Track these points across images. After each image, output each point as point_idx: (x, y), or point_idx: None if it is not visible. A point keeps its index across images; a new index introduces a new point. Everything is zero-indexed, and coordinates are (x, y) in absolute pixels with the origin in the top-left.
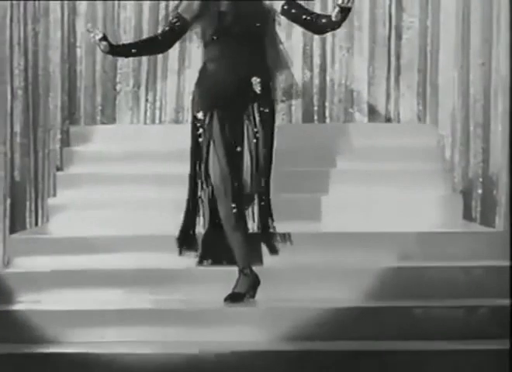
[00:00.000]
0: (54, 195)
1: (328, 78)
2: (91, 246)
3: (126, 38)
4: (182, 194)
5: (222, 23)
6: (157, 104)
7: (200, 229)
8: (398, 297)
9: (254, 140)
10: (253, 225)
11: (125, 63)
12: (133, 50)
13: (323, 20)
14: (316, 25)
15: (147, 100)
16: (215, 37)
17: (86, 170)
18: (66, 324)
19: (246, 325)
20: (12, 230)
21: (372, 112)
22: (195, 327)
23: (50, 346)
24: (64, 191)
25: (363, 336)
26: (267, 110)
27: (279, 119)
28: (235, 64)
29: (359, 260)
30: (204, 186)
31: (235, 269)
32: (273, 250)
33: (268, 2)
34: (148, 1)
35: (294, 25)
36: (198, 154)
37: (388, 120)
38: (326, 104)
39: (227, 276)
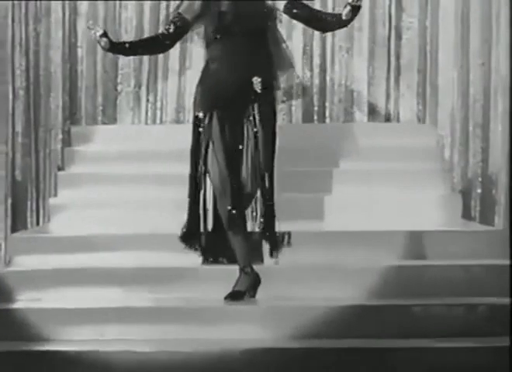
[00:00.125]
0: (55, 195)
1: (328, 78)
2: (91, 245)
3: (127, 38)
4: (182, 193)
5: (222, 23)
6: (158, 104)
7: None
8: (399, 295)
9: (254, 140)
10: (253, 225)
11: (126, 64)
12: (133, 48)
13: (332, 18)
14: (322, 23)
15: (147, 100)
16: (216, 37)
17: (87, 169)
18: (66, 322)
19: (246, 323)
20: (14, 230)
21: (372, 112)
22: (194, 325)
23: (50, 344)
24: (65, 190)
25: (364, 335)
26: (267, 110)
27: (279, 119)
28: (236, 64)
29: (360, 259)
30: (204, 186)
31: (236, 268)
32: (275, 249)
33: (270, 2)
34: (149, 2)
35: (294, 25)
36: (198, 154)
37: (387, 120)
38: (326, 104)
39: (228, 275)
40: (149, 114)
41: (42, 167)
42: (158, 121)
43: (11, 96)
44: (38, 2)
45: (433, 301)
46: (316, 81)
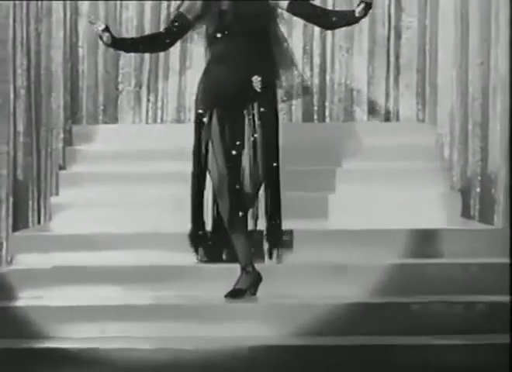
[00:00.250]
0: (57, 194)
1: (328, 78)
2: (93, 244)
3: None
4: (183, 192)
5: (223, 22)
6: (159, 103)
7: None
8: (399, 293)
9: (253, 139)
10: (253, 224)
11: (127, 63)
12: (134, 45)
13: (342, 15)
14: (327, 20)
15: (148, 100)
16: (217, 36)
17: (88, 169)
18: (67, 319)
19: (247, 321)
20: (15, 228)
21: (372, 111)
22: (195, 323)
23: (51, 342)
24: (67, 189)
25: (366, 332)
26: (267, 109)
27: (279, 118)
28: (236, 63)
29: (361, 257)
30: (206, 184)
31: (237, 266)
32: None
33: (272, 1)
34: (150, 1)
35: (294, 24)
36: (200, 152)
37: (387, 119)
38: (326, 103)
39: (229, 273)
40: (150, 113)
41: (43, 166)
42: (159, 120)
43: (12, 95)
44: (39, 2)
45: (433, 299)
46: (316, 81)
